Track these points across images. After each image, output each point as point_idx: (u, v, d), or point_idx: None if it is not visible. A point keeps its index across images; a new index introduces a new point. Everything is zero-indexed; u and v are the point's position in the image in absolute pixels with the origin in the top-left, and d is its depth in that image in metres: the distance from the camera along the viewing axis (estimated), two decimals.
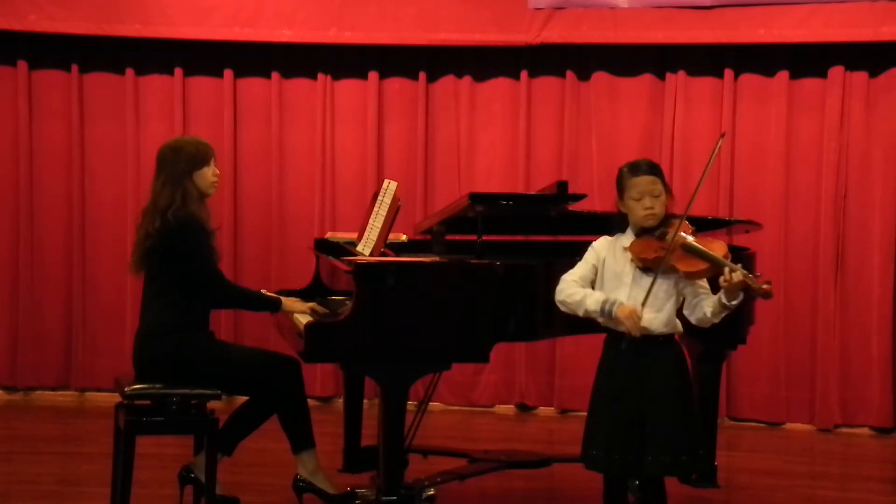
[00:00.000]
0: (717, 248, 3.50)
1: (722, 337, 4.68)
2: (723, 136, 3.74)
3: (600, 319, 3.56)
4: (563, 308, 3.63)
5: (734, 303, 3.45)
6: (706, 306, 3.51)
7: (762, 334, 6.25)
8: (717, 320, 3.52)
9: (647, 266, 3.53)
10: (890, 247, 6.32)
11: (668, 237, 3.50)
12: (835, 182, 6.35)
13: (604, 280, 3.62)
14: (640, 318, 3.47)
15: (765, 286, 3.39)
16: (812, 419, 6.41)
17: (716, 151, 3.64)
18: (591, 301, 3.54)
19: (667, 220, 3.59)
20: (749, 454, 5.87)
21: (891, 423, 6.31)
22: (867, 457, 5.94)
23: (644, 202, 3.55)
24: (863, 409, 6.35)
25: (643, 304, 3.48)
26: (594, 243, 3.69)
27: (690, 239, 3.53)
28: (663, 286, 3.53)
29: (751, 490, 5.15)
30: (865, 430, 6.35)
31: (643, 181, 3.56)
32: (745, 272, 3.40)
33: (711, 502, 4.89)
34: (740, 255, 4.81)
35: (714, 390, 4.79)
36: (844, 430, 6.37)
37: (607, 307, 3.51)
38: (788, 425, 6.44)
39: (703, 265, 3.48)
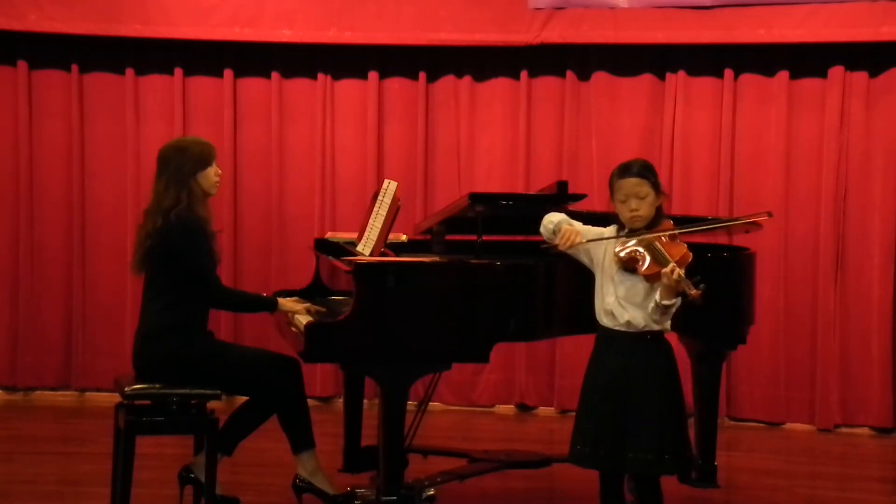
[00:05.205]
0: (675, 251, 3.49)
1: (722, 337, 4.69)
2: (769, 215, 3.79)
3: (547, 235, 3.67)
4: (541, 228, 3.71)
5: (666, 303, 3.47)
6: (649, 304, 3.55)
7: (762, 334, 6.25)
8: (656, 317, 3.53)
9: (622, 265, 3.55)
10: (890, 247, 6.31)
11: (644, 236, 3.52)
12: (835, 182, 6.34)
13: (603, 267, 3.63)
14: (575, 241, 3.57)
15: (692, 291, 3.38)
16: (812, 419, 6.40)
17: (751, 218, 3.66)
18: (556, 216, 3.68)
19: (657, 220, 3.59)
20: (749, 454, 5.87)
21: (891, 423, 6.31)
22: (867, 457, 5.95)
23: (629, 204, 3.58)
24: (863, 409, 6.34)
25: (584, 242, 3.59)
26: (609, 227, 3.69)
27: (661, 241, 3.51)
28: (637, 280, 3.55)
29: (751, 490, 5.15)
30: (865, 430, 6.35)
31: (628, 184, 3.58)
32: (684, 277, 3.40)
33: (711, 502, 4.89)
34: (740, 254, 4.82)
35: (714, 390, 4.78)
36: (844, 430, 6.37)
37: (560, 223, 3.63)
38: (788, 425, 6.44)
39: (656, 268, 3.49)
